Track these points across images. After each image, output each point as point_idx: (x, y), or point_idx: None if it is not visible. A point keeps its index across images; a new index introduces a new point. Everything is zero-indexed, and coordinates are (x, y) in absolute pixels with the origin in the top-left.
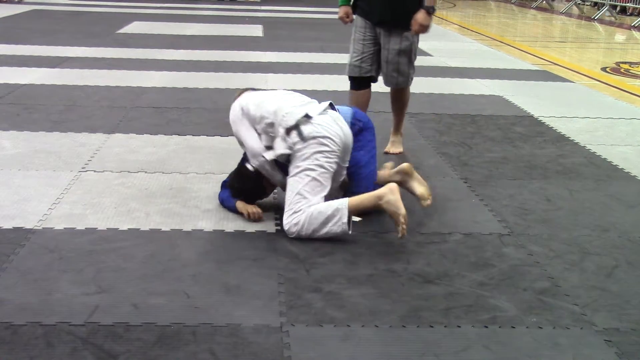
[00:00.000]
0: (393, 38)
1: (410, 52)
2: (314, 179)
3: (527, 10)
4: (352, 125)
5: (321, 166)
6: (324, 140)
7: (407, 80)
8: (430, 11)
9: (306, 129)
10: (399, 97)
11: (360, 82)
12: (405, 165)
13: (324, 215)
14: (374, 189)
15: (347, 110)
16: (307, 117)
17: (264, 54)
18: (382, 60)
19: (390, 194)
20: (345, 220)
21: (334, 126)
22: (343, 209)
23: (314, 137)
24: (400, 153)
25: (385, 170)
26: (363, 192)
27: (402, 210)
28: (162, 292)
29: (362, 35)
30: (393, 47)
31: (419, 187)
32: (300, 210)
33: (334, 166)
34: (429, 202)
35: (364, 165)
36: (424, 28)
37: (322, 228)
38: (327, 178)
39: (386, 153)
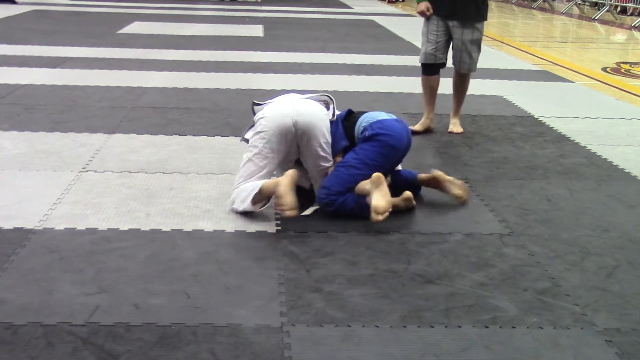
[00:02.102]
0: (465, 29)
1: (479, 41)
2: (250, 159)
3: (528, 10)
4: (363, 131)
5: (256, 147)
6: (261, 120)
7: (476, 65)
8: None
9: (257, 110)
10: (463, 82)
11: (432, 69)
12: (407, 192)
13: (243, 194)
14: (339, 191)
15: (371, 116)
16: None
17: (264, 54)
18: (455, 49)
19: (282, 183)
20: (249, 200)
21: (278, 107)
22: (253, 191)
23: (258, 119)
24: (462, 132)
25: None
26: (325, 186)
27: (280, 197)
28: (162, 292)
29: (435, 27)
30: (466, 37)
31: (454, 188)
32: (235, 187)
33: (268, 145)
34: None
35: (343, 165)
36: None
37: (241, 205)
38: (261, 158)
39: (450, 133)
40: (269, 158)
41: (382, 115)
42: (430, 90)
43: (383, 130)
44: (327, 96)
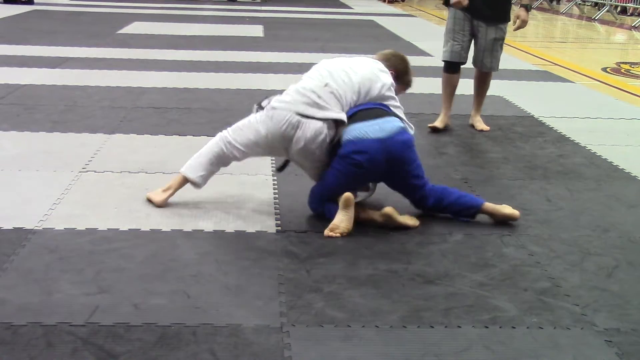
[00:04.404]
0: (490, 29)
1: (503, 41)
2: (252, 126)
3: None
4: (341, 146)
5: (259, 124)
6: (263, 124)
7: (498, 64)
8: (528, 8)
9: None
10: (486, 80)
11: (455, 67)
12: (387, 209)
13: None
14: (316, 203)
15: (355, 131)
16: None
17: (264, 54)
18: (479, 49)
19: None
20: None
21: (279, 121)
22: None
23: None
24: (489, 130)
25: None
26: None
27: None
28: (162, 292)
29: (461, 26)
30: (490, 37)
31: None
32: (228, 140)
33: (264, 139)
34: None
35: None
36: (525, 23)
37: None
38: (258, 139)
39: (480, 131)
40: (261, 140)
41: (366, 132)
42: (452, 88)
43: (354, 154)
44: (341, 120)
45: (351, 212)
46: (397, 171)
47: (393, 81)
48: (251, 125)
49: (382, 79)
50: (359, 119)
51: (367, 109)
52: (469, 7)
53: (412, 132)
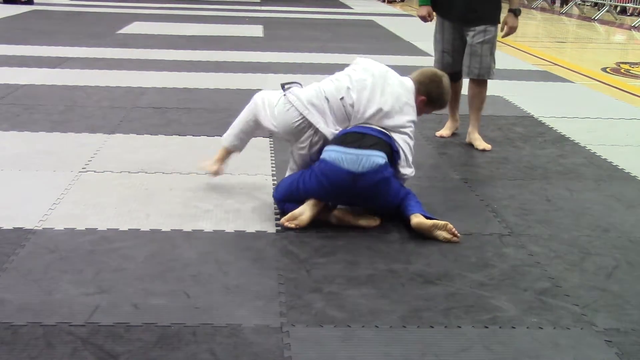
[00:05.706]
0: (477, 33)
1: (491, 45)
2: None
3: (528, 10)
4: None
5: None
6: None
7: (489, 72)
8: (517, 13)
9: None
10: (479, 91)
11: (453, 75)
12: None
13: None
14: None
15: (327, 153)
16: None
17: (264, 54)
18: (466, 54)
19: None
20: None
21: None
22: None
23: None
24: (490, 149)
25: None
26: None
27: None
28: (162, 293)
29: (450, 35)
30: (477, 40)
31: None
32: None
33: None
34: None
35: (300, 175)
36: (514, 29)
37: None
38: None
39: (482, 150)
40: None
41: (341, 160)
42: (454, 96)
43: (323, 176)
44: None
45: (316, 210)
46: (365, 201)
47: (415, 116)
48: (272, 109)
49: (404, 114)
50: (344, 141)
51: (360, 132)
52: (453, 13)
53: (409, 170)
